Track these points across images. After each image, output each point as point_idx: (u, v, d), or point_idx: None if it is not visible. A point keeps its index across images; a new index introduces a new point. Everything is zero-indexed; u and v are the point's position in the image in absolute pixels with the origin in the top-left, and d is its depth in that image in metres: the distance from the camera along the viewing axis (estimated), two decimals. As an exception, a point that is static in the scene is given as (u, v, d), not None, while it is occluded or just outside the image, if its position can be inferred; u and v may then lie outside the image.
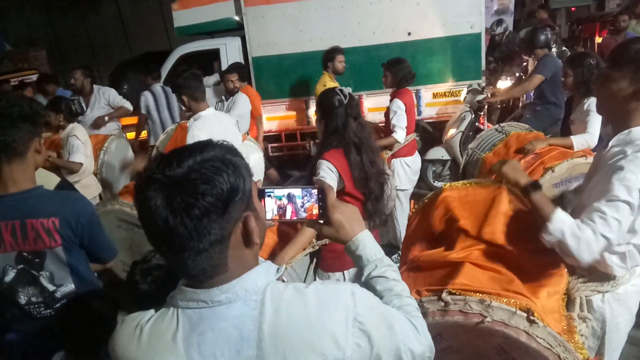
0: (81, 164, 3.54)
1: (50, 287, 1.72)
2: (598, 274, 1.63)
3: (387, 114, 3.93)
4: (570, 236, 1.42)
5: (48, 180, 2.08)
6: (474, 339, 1.41)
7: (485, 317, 1.34)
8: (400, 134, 3.70)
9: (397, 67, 3.84)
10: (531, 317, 1.34)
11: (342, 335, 0.82)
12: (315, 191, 1.03)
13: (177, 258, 0.79)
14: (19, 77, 7.53)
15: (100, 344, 1.61)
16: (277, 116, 6.11)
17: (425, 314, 1.40)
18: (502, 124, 3.58)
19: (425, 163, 5.09)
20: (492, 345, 1.40)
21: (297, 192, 1.02)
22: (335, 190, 2.16)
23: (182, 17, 6.40)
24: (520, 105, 5.69)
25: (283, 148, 6.20)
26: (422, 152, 5.18)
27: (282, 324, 0.80)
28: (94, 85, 4.96)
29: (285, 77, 5.95)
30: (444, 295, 1.40)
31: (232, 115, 4.66)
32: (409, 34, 5.54)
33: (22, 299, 1.72)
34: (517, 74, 6.19)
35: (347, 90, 2.27)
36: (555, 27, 8.14)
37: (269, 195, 1.02)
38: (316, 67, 5.79)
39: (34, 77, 7.53)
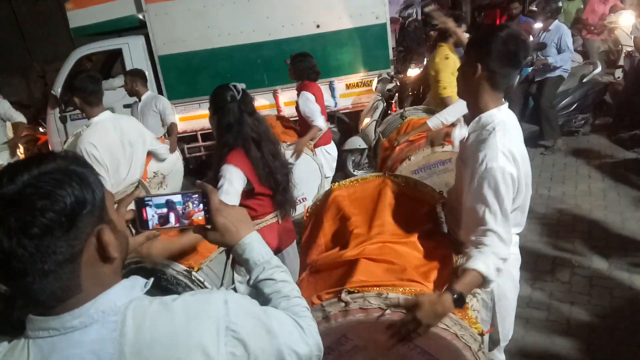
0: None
1: None
2: None
3: (297, 108, 3.95)
4: (502, 262, 1.51)
5: None
6: (378, 333, 1.44)
7: (384, 309, 1.38)
8: (320, 122, 3.76)
9: (297, 61, 3.89)
10: None
11: (214, 346, 0.79)
12: (196, 196, 0.98)
13: (20, 283, 0.72)
14: None
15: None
16: (190, 116, 5.89)
17: (327, 317, 1.42)
18: (406, 108, 3.77)
19: (344, 153, 5.20)
20: (392, 335, 1.42)
21: (177, 198, 0.97)
22: (239, 193, 2.12)
23: (78, 17, 5.91)
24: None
25: (200, 148, 6.01)
26: (341, 143, 5.29)
27: (145, 343, 0.76)
28: None
29: (197, 74, 5.75)
30: (344, 295, 1.41)
31: (168, 119, 4.44)
32: (318, 26, 5.59)
33: None
34: (425, 62, 6.49)
35: (241, 86, 2.21)
36: (460, 14, 8.50)
37: (148, 204, 0.96)
38: (227, 63, 5.70)
39: None
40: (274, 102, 5.83)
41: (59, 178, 0.72)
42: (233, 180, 2.10)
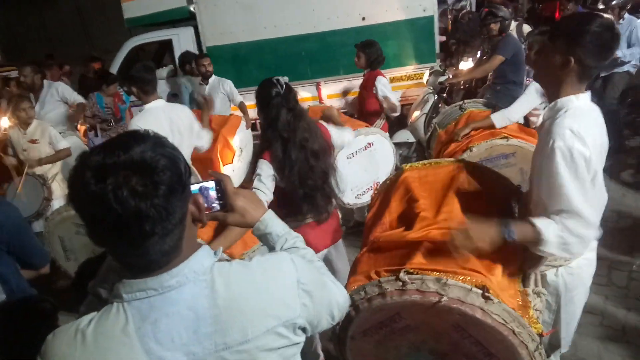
0: (69, 147, 3.69)
1: None
2: None
3: (361, 95, 4.00)
4: (570, 237, 1.42)
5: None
6: (432, 317, 1.42)
7: (442, 295, 1.36)
8: (399, 105, 3.88)
9: (370, 49, 3.92)
10: (486, 294, 1.35)
11: (291, 297, 0.90)
12: (211, 184, 1.03)
13: (142, 245, 0.76)
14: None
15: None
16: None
17: (383, 294, 1.43)
18: (466, 101, 3.64)
19: None
20: (449, 323, 1.41)
21: (194, 188, 0.99)
22: (271, 190, 2.10)
23: (132, 8, 6.18)
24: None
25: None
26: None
27: (234, 297, 0.83)
28: (44, 81, 4.73)
29: (242, 65, 5.85)
30: (402, 275, 1.41)
31: (236, 100, 4.85)
32: (363, 18, 5.53)
33: None
34: (479, 55, 6.24)
35: (284, 79, 2.18)
36: (516, 5, 8.05)
37: None
38: (272, 54, 5.75)
39: (13, 74, 7.10)
40: (317, 94, 5.83)
41: (162, 147, 0.79)
42: (263, 175, 2.09)
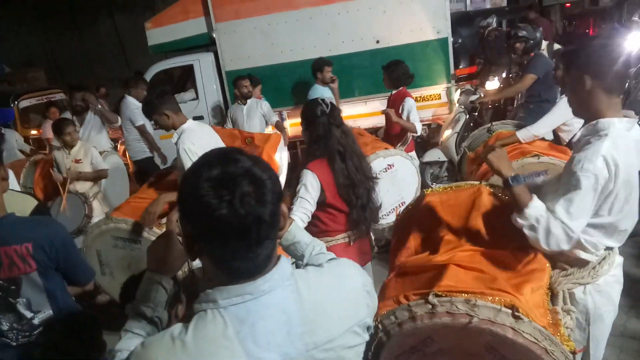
0: (107, 169, 3.94)
1: (28, 314, 1.69)
2: (578, 265, 1.69)
3: (388, 116, 4.09)
4: (543, 229, 1.53)
5: (24, 203, 2.08)
6: (463, 339, 1.43)
7: (472, 316, 1.37)
8: (419, 127, 3.95)
9: (391, 68, 4.05)
10: (516, 313, 1.37)
11: (360, 299, 0.99)
12: None
13: (256, 249, 0.84)
14: (44, 95, 7.37)
15: None
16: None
17: (414, 317, 1.44)
18: (494, 123, 3.67)
19: (422, 165, 5.19)
20: (481, 344, 1.42)
21: None
22: (315, 200, 2.21)
23: (156, 36, 6.43)
24: (514, 104, 5.76)
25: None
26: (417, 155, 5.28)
27: (317, 299, 0.90)
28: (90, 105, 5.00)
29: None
30: (431, 297, 1.42)
31: (272, 120, 5.06)
32: (378, 41, 5.68)
33: (4, 326, 1.69)
34: (505, 74, 6.24)
35: (329, 99, 2.34)
36: (546, 24, 8.02)
37: None
38: (289, 77, 5.93)
39: (58, 96, 7.42)
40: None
41: (264, 161, 0.88)
42: (308, 186, 2.19)
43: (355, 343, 0.95)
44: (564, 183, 1.55)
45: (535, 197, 1.59)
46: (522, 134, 2.93)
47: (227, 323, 0.83)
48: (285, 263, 0.91)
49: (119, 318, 2.08)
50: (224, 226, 0.80)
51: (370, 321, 1.00)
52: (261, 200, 0.81)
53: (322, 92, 4.88)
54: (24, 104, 6.88)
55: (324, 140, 2.27)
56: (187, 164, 2.75)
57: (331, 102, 2.34)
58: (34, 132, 6.34)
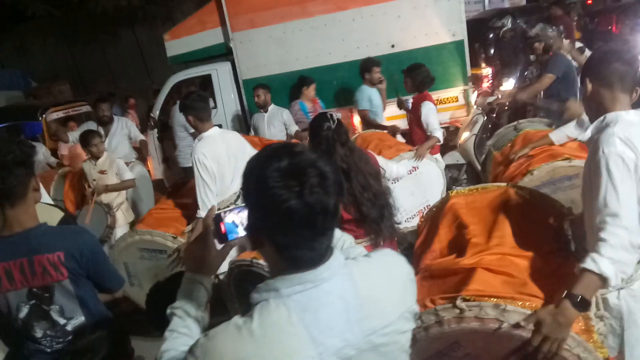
0: (134, 179, 4.01)
1: (61, 321, 1.75)
2: None
3: (410, 119, 4.07)
4: (617, 266, 1.43)
5: (50, 215, 2.16)
6: (492, 344, 1.41)
7: (502, 321, 1.35)
8: (439, 133, 3.85)
9: (415, 72, 3.99)
10: None
11: (408, 286, 1.01)
12: None
13: (321, 238, 0.87)
14: (71, 108, 7.60)
15: None
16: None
17: (440, 322, 1.43)
18: (520, 121, 3.61)
19: None
20: (510, 350, 1.40)
21: (244, 209, 1.07)
22: None
23: (174, 47, 6.56)
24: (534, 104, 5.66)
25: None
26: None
27: (372, 287, 0.93)
28: (114, 116, 5.16)
29: (276, 96, 6.09)
30: (459, 302, 1.41)
31: (292, 129, 5.05)
32: (393, 46, 5.68)
33: (38, 333, 1.75)
34: (520, 73, 6.14)
35: (337, 115, 2.32)
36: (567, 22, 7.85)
37: (223, 219, 1.07)
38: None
39: (84, 109, 7.66)
40: (349, 121, 5.99)
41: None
42: None
43: (407, 328, 0.98)
44: (595, 184, 1.51)
45: (586, 265, 1.43)
46: (556, 136, 2.85)
47: (290, 311, 0.85)
48: (338, 253, 0.94)
49: (142, 325, 2.14)
50: (293, 216, 0.82)
51: (417, 308, 1.01)
52: (327, 192, 0.84)
53: (370, 93, 4.78)
54: (52, 116, 7.10)
55: (326, 156, 2.26)
56: (196, 172, 2.82)
57: (338, 119, 2.32)
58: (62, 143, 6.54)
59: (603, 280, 1.42)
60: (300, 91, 5.24)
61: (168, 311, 1.09)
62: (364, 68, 4.96)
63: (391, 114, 5.75)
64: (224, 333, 0.87)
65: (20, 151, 1.63)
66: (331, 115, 2.31)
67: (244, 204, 1.07)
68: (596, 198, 1.49)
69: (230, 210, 1.10)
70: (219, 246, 1.11)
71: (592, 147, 1.59)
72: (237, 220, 1.09)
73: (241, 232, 1.09)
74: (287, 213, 0.82)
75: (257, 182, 0.86)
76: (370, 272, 0.96)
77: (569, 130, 2.85)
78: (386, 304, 0.94)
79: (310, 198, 0.82)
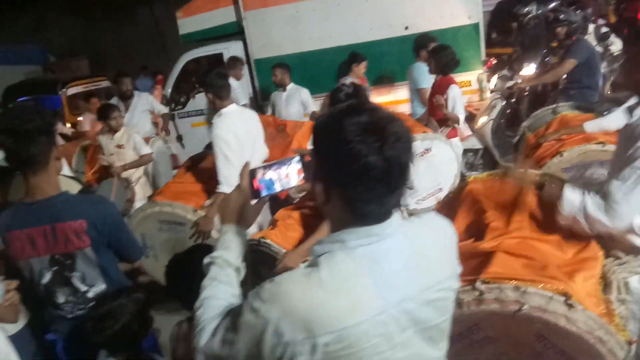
0: (151, 153, 4.02)
1: (83, 288, 1.78)
2: (634, 254, 1.64)
3: (431, 101, 3.95)
4: (575, 207, 1.52)
5: (70, 187, 2.18)
6: (512, 327, 1.41)
7: (523, 303, 1.35)
8: (462, 117, 3.79)
9: (441, 54, 3.83)
10: (569, 301, 1.34)
11: (454, 248, 1.04)
12: (296, 160, 1.13)
13: (393, 193, 0.90)
14: (90, 83, 7.58)
15: (136, 339, 1.67)
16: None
17: (460, 304, 1.41)
18: (559, 104, 3.52)
19: None
20: (531, 332, 1.39)
21: (280, 165, 1.12)
22: None
23: (186, 25, 6.52)
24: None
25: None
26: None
27: (426, 246, 0.96)
28: (134, 91, 5.12)
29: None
30: (478, 284, 1.40)
31: (309, 109, 5.00)
32: (406, 28, 5.60)
33: (60, 299, 1.79)
34: (542, 59, 6.04)
35: (349, 80, 2.33)
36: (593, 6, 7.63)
37: (257, 176, 1.12)
38: (317, 65, 5.94)
39: (104, 84, 7.63)
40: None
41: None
42: None
43: (456, 286, 1.01)
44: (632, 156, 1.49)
45: (566, 189, 1.56)
46: (590, 128, 2.77)
47: (357, 262, 0.87)
48: (397, 215, 0.95)
49: (159, 298, 2.16)
50: (370, 172, 0.83)
51: (460, 269, 1.04)
52: (404, 148, 0.86)
53: (425, 71, 4.32)
54: (72, 91, 7.07)
55: None
56: (216, 148, 2.83)
57: (355, 84, 2.26)
58: (81, 119, 6.55)
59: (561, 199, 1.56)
60: (350, 68, 4.97)
61: (206, 260, 1.11)
62: (420, 44, 4.65)
63: (395, 99, 5.71)
64: (291, 279, 0.88)
65: (41, 119, 1.64)
66: (344, 83, 2.29)
67: (281, 161, 1.11)
68: (625, 167, 1.48)
69: (266, 167, 1.13)
70: (253, 202, 1.14)
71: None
72: (275, 176, 1.12)
73: (277, 189, 1.13)
74: (366, 168, 0.83)
75: (334, 136, 0.86)
76: (423, 232, 0.98)
77: (606, 122, 2.74)
78: (438, 262, 0.97)
79: (389, 154, 0.83)
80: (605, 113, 2.99)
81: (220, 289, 1.04)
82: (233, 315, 0.93)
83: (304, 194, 2.58)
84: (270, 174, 1.12)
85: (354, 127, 0.84)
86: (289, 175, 1.13)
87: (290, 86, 5.08)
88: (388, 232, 0.91)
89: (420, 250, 0.94)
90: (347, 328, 0.83)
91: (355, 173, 0.84)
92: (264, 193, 1.12)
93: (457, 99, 3.75)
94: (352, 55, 5.10)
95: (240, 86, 5.43)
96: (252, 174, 1.12)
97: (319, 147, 0.92)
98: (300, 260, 2.11)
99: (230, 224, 1.12)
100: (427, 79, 4.34)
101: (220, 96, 2.92)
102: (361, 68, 5.02)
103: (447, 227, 1.05)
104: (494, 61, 6.11)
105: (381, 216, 0.90)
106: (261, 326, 0.85)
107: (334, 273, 0.86)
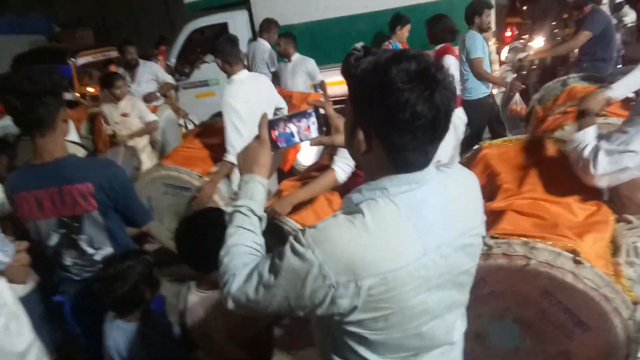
0: (157, 120, 4.00)
1: (90, 251, 1.79)
2: None
3: None
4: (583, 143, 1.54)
5: (75, 153, 2.19)
6: (518, 282, 1.41)
7: (530, 258, 1.34)
8: (458, 87, 3.70)
9: (433, 23, 3.74)
10: (577, 258, 1.33)
11: (481, 197, 1.06)
12: (311, 112, 1.12)
13: (437, 142, 0.91)
14: (100, 53, 7.51)
15: (144, 300, 1.69)
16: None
17: None
18: (570, 75, 3.38)
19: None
20: (537, 288, 1.39)
21: (297, 117, 1.12)
22: None
23: (191, -8, 6.42)
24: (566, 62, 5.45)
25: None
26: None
27: (459, 194, 0.99)
28: (140, 60, 5.07)
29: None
30: (487, 239, 1.40)
31: (317, 79, 4.94)
32: None
33: (68, 261, 1.80)
34: (552, 31, 5.89)
35: (360, 44, 2.20)
36: None
37: (274, 127, 1.10)
38: (324, 35, 5.82)
39: (113, 54, 7.58)
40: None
41: None
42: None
43: (484, 233, 1.05)
44: None
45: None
46: (615, 92, 2.66)
47: (399, 208, 0.89)
48: (433, 165, 0.97)
49: (164, 264, 2.17)
50: (418, 119, 0.84)
51: (485, 217, 1.06)
52: (449, 96, 0.86)
53: (480, 40, 4.02)
54: (82, 61, 7.00)
55: None
56: (225, 116, 2.80)
57: (364, 45, 2.14)
58: (90, 89, 6.48)
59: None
60: (393, 31, 4.71)
61: (230, 209, 1.11)
62: (474, 11, 4.15)
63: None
64: (336, 224, 0.89)
65: (50, 80, 1.62)
66: (354, 47, 2.19)
67: (301, 112, 1.10)
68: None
69: (285, 119, 1.11)
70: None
71: None
72: (294, 129, 1.11)
73: (297, 140, 1.12)
74: (414, 116, 0.83)
75: (381, 84, 0.85)
76: (455, 181, 1.01)
77: (614, 92, 2.71)
78: (470, 209, 1.01)
79: (437, 102, 0.84)
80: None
81: (247, 236, 1.04)
82: (272, 260, 0.93)
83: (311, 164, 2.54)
84: (290, 126, 1.11)
85: (402, 74, 0.83)
86: (310, 129, 1.12)
87: (296, 56, 4.97)
88: (427, 179, 0.93)
89: (454, 197, 0.97)
90: (391, 271, 0.86)
91: (403, 121, 0.84)
92: (282, 144, 1.12)
93: (452, 69, 3.62)
94: (395, 17, 4.79)
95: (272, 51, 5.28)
96: (271, 124, 1.11)
97: (362, 95, 0.89)
98: (289, 208, 2.10)
99: (251, 174, 1.11)
100: (480, 49, 4.02)
101: (229, 62, 2.86)
102: (404, 32, 4.72)
103: (473, 177, 1.08)
104: (515, 31, 5.93)
105: (422, 164, 0.92)
106: (305, 269, 0.86)
107: (378, 219, 0.88)
